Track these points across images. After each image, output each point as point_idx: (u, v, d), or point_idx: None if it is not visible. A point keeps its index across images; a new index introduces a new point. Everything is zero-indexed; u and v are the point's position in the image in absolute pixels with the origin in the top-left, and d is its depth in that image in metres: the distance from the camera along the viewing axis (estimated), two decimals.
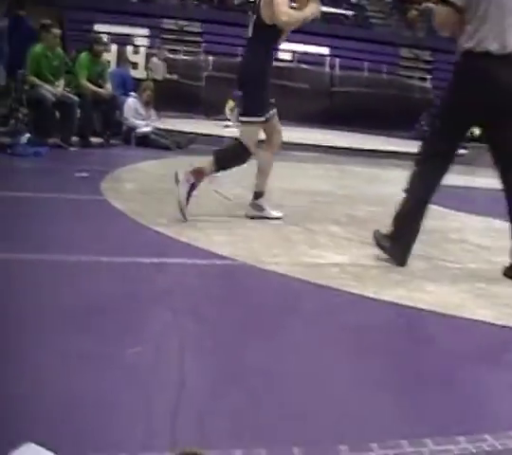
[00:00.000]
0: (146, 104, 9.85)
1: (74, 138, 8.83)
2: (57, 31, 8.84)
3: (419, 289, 3.37)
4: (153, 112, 10.07)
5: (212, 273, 3.45)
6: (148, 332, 2.57)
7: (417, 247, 4.29)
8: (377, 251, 3.94)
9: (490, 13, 3.56)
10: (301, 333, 2.74)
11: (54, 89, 8.62)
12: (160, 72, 15.97)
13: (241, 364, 2.34)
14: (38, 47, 8.69)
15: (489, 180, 10.43)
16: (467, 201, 7.90)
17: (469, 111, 3.70)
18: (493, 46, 3.56)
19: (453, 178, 8.38)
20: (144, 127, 9.65)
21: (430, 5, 24.56)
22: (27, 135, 7.89)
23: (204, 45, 21.01)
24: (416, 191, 3.89)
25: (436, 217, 5.70)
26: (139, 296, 2.97)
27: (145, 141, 9.50)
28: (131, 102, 9.75)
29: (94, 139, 9.13)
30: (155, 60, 16.44)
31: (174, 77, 16.25)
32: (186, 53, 20.57)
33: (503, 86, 3.56)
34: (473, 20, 3.58)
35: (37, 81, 8.55)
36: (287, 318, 2.90)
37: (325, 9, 23.11)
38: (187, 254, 3.67)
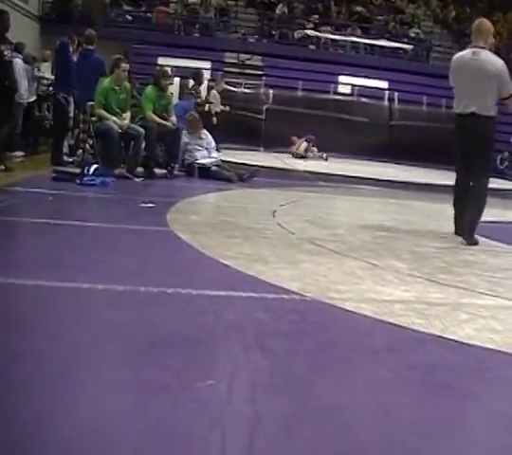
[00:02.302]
0: (192, 133, 9.99)
1: (139, 169, 9.02)
2: (125, 66, 9.08)
3: (487, 328, 3.33)
4: (208, 139, 10.17)
5: (281, 308, 3.46)
6: (219, 366, 2.60)
7: (483, 285, 4.27)
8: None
9: (459, 89, 6.25)
10: (371, 370, 2.74)
11: (121, 121, 8.85)
12: (219, 104, 16.17)
13: (312, 399, 2.35)
14: (106, 81, 8.96)
15: None
16: None
17: (459, 146, 6.40)
18: (460, 109, 6.21)
19: None
20: (203, 158, 9.80)
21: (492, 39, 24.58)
22: (95, 165, 8.08)
23: (265, 78, 21.30)
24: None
25: (500, 255, 5.66)
26: (208, 329, 3.01)
27: (208, 173, 9.62)
28: (183, 135, 9.91)
29: (158, 170, 9.31)
30: (214, 92, 16.67)
31: (227, 108, 16.43)
32: (247, 86, 20.87)
33: (466, 133, 6.19)
34: (455, 93, 6.34)
35: (105, 113, 8.80)
36: (356, 354, 2.90)
37: (384, 43, 23.34)
38: (255, 288, 3.69)
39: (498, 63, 6.10)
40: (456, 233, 6.29)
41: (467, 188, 6.32)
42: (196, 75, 14.17)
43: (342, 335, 3.15)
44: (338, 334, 3.16)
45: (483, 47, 6.14)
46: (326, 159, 17.36)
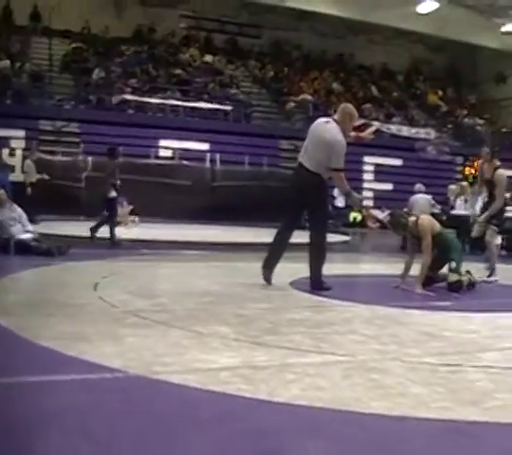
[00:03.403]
0: (1, 208, 9.70)
1: None
2: None
3: (313, 387, 3.38)
4: (18, 211, 9.87)
5: (104, 388, 3.34)
6: None
7: (308, 343, 4.35)
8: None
9: (305, 144, 7.07)
10: (200, 443, 2.68)
11: None
12: (34, 174, 15.82)
13: None
14: None
15: (373, 265, 10.77)
16: (353, 289, 8.10)
17: (287, 197, 7.24)
18: (298, 160, 7.04)
19: (340, 267, 8.67)
20: (19, 233, 9.48)
21: (307, 96, 25.80)
22: None
23: (83, 145, 21.03)
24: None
25: (323, 310, 5.82)
26: (26, 419, 2.83)
27: (25, 248, 9.26)
28: None
29: None
30: (28, 162, 16.30)
31: (45, 177, 16.11)
32: (64, 154, 20.46)
33: (295, 182, 7.14)
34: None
35: None
36: (183, 429, 2.83)
37: (204, 104, 23.92)
38: (76, 370, 3.55)
39: (337, 137, 6.84)
40: (264, 276, 7.06)
41: (287, 236, 7.13)
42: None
43: (167, 410, 3.07)
44: (162, 409, 3.07)
45: (336, 122, 6.95)
46: (137, 223, 17.16)
